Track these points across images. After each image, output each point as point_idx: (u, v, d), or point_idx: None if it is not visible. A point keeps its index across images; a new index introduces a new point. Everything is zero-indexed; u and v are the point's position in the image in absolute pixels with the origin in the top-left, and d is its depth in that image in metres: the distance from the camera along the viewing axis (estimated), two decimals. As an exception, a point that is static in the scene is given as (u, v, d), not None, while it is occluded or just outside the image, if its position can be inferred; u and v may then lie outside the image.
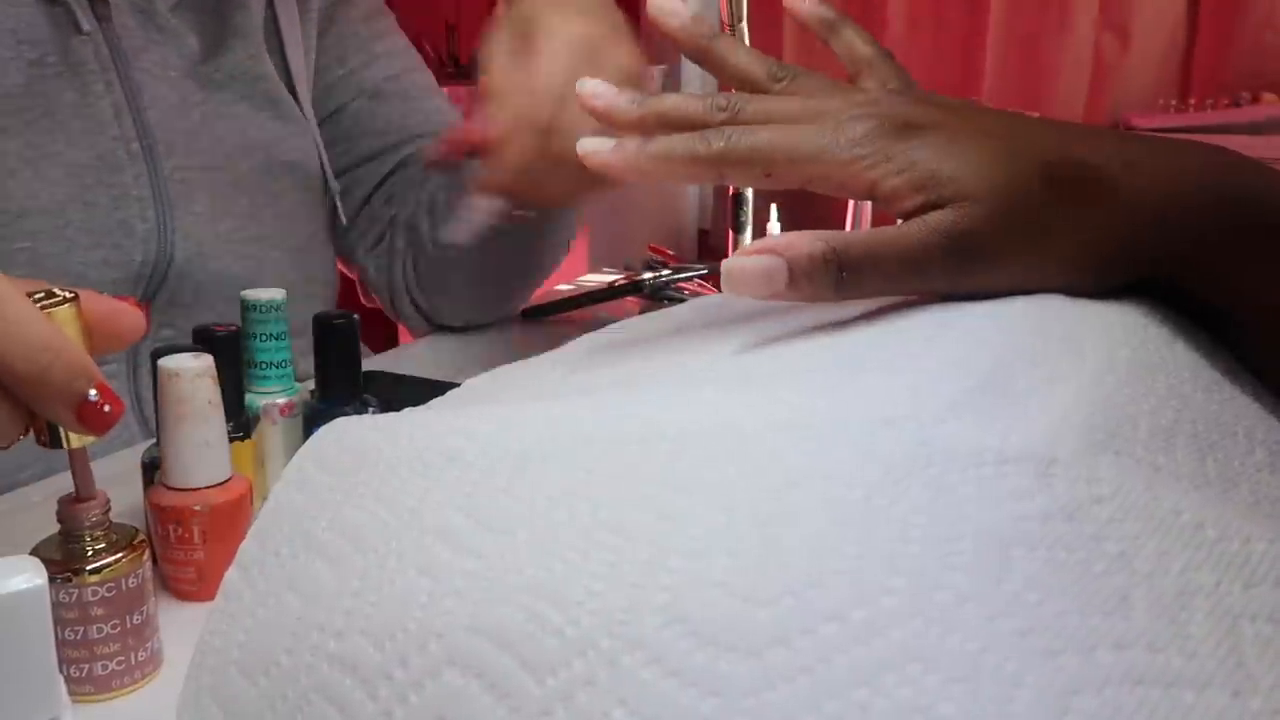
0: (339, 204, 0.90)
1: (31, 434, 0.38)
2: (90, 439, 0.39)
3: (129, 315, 0.39)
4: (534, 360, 0.48)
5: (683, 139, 0.42)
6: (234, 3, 0.83)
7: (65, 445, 0.38)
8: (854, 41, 0.46)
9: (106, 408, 0.36)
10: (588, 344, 0.49)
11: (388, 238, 0.93)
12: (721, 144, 0.41)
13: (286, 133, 0.85)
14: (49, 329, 0.35)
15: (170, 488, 0.49)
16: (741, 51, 0.44)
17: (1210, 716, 0.23)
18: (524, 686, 0.27)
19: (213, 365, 0.48)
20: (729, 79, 0.42)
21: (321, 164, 0.88)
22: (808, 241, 0.38)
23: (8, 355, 0.35)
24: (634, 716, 0.25)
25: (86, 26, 0.72)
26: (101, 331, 0.38)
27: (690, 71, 2.42)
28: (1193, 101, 2.09)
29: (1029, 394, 0.30)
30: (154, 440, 0.52)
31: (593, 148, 0.44)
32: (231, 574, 0.36)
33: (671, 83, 2.40)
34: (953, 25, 2.16)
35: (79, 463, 0.41)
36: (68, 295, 0.37)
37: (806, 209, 1.14)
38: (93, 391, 0.36)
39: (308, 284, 0.85)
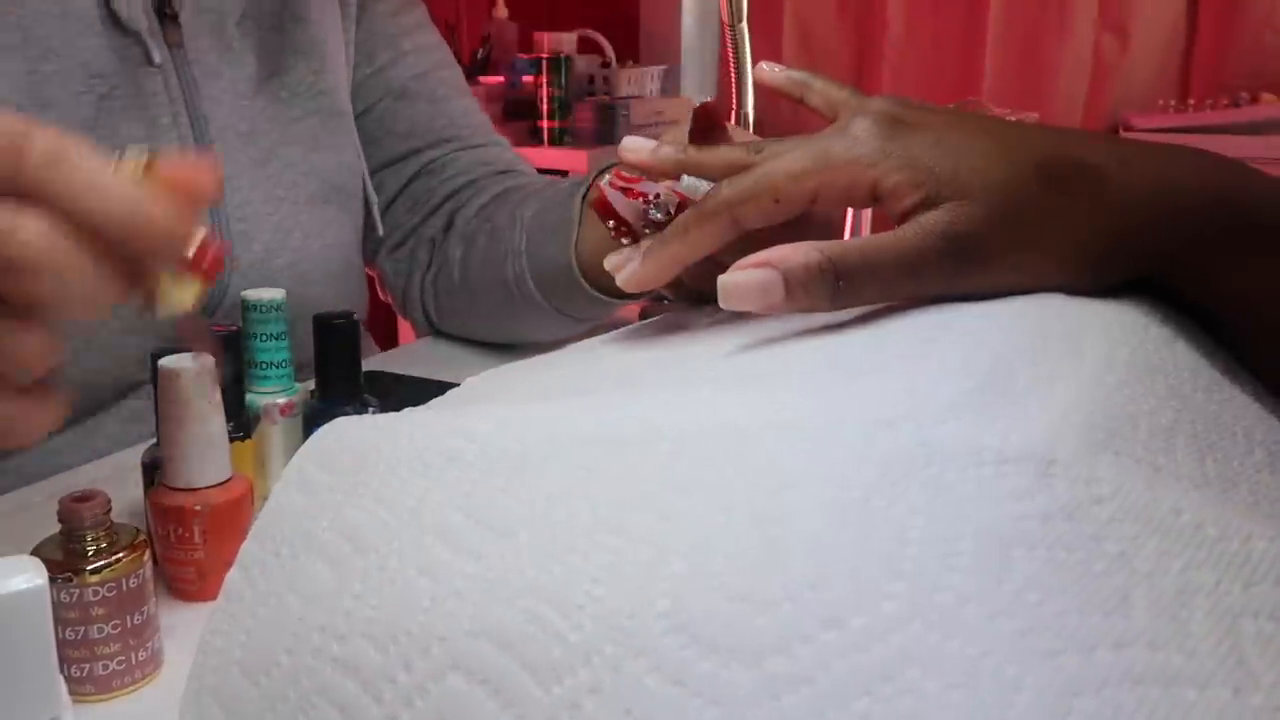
0: (377, 216, 0.88)
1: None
2: (192, 295, 0.37)
3: (204, 173, 0.38)
4: (533, 361, 0.48)
5: (687, 212, 0.44)
6: (294, 16, 0.81)
7: (166, 311, 0.36)
8: (828, 90, 0.47)
9: (214, 246, 0.35)
10: (587, 346, 0.49)
11: (409, 245, 0.92)
12: (725, 190, 0.42)
13: (345, 150, 0.84)
14: (138, 182, 0.34)
15: (171, 488, 0.49)
16: (717, 152, 0.45)
17: (1211, 714, 0.23)
18: (530, 693, 0.27)
19: (213, 366, 0.48)
20: (719, 177, 0.44)
21: (364, 176, 0.87)
22: (803, 252, 0.38)
23: (108, 205, 0.33)
24: None
25: (158, 59, 0.71)
26: (179, 191, 0.37)
27: (690, 71, 2.42)
28: (1192, 102, 2.09)
29: (1028, 393, 0.30)
30: (154, 440, 0.52)
31: (620, 261, 0.45)
32: (233, 574, 0.36)
33: (671, 84, 2.40)
34: (953, 25, 2.16)
35: (190, 328, 0.39)
36: (148, 151, 0.36)
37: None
38: (200, 232, 0.35)
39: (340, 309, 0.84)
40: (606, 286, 0.75)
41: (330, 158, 0.83)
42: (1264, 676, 0.24)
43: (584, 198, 0.76)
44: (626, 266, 0.46)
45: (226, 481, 0.50)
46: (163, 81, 0.71)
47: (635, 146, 0.48)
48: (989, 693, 0.23)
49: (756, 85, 0.53)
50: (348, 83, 0.87)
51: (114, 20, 0.69)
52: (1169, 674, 0.24)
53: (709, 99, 0.52)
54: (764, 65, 0.51)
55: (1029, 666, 0.23)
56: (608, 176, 0.49)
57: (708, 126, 0.51)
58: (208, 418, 0.48)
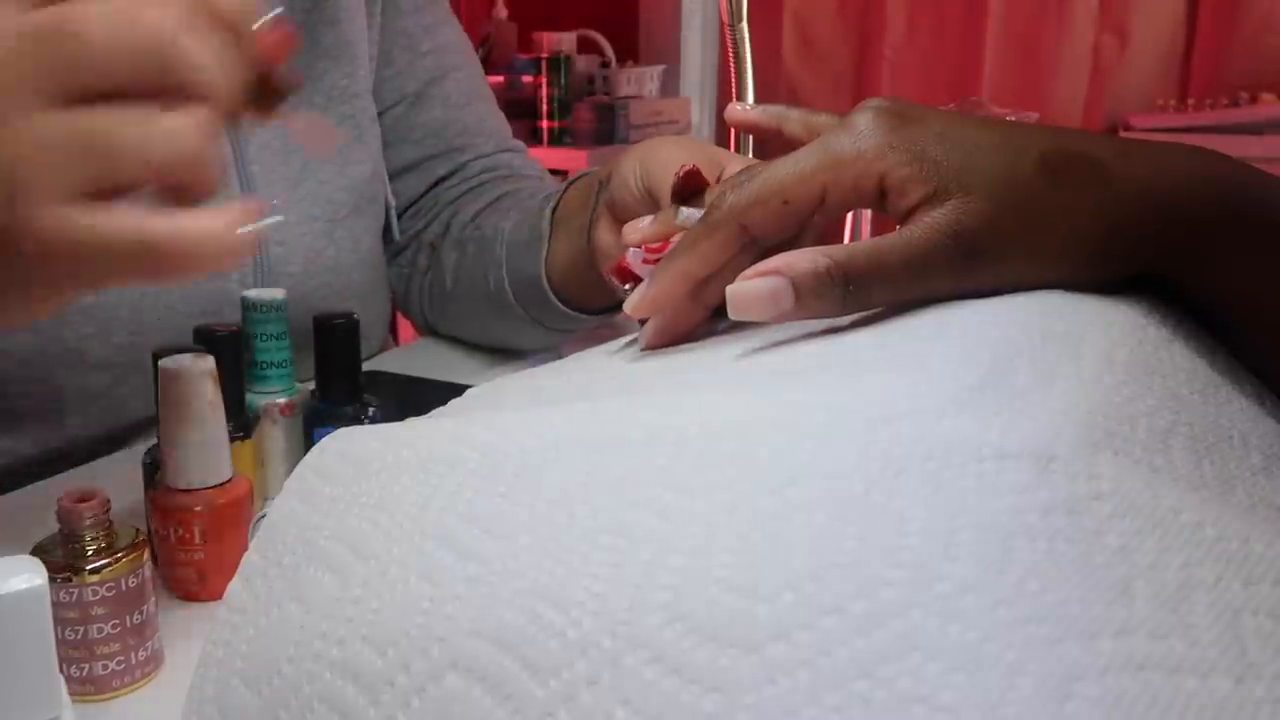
0: (395, 221, 0.87)
1: None
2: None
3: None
4: (535, 369, 0.48)
5: (693, 227, 0.43)
6: (326, 19, 0.80)
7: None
8: (806, 117, 0.47)
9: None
10: (588, 354, 0.49)
11: (410, 249, 0.92)
12: (731, 197, 0.41)
13: (376, 157, 0.83)
14: None
15: (171, 489, 0.49)
16: (712, 194, 0.45)
17: (1213, 703, 0.23)
18: (526, 688, 0.27)
19: (214, 366, 0.48)
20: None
21: (384, 181, 0.86)
22: (810, 258, 0.38)
23: None
24: (637, 715, 0.25)
25: None
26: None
27: (689, 71, 2.42)
28: (1191, 102, 2.09)
29: (1028, 391, 0.30)
30: (155, 441, 0.52)
31: (636, 299, 0.45)
32: (235, 585, 0.36)
33: (671, 84, 2.40)
34: (952, 26, 2.16)
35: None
36: None
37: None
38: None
39: (368, 327, 0.84)
40: (574, 301, 0.76)
41: (364, 168, 0.82)
42: (1266, 669, 0.24)
43: (554, 209, 0.76)
44: (641, 300, 0.44)
45: (227, 482, 0.50)
46: None
47: (635, 225, 0.49)
48: (990, 676, 0.23)
49: (731, 125, 0.52)
50: (370, 84, 0.87)
51: None
52: (1171, 662, 0.24)
53: (690, 165, 0.52)
54: (735, 105, 0.50)
55: (1030, 652, 0.23)
56: (633, 251, 0.49)
57: (692, 193, 0.50)
58: (208, 419, 0.48)
